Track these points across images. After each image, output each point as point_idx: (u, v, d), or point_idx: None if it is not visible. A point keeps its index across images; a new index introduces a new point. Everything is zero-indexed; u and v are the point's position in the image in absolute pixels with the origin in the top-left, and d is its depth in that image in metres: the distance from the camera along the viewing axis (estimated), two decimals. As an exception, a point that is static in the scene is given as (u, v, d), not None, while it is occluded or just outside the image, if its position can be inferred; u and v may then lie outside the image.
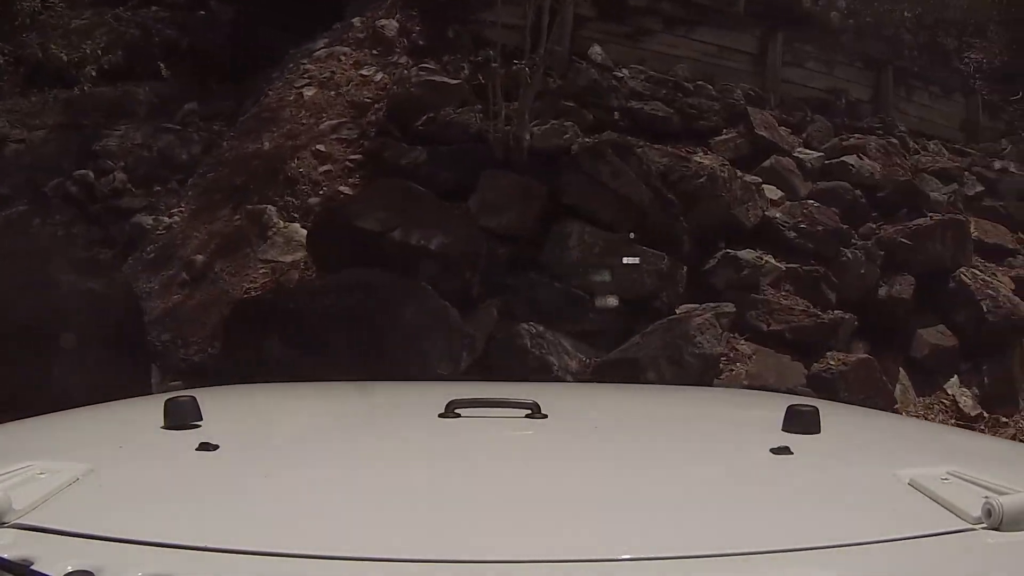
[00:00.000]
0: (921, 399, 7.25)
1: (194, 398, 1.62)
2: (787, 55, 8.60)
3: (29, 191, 8.40)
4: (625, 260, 6.38)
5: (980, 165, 9.04)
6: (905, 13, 9.92)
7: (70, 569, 0.98)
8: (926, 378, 7.29)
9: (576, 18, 7.70)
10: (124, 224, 8.20)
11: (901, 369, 7.25)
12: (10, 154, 8.75)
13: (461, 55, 7.55)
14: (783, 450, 1.48)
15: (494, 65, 6.62)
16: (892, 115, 9.01)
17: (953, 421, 6.98)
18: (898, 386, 7.10)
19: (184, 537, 1.06)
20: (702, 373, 5.92)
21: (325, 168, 7.44)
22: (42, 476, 1.25)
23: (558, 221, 6.45)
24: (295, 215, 7.20)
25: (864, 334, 7.07)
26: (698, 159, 7.04)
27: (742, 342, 6.53)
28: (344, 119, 7.77)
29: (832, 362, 6.61)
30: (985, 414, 7.16)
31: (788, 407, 1.67)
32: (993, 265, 8.05)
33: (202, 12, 10.03)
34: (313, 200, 7.15)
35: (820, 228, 7.11)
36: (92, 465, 1.32)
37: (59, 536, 1.07)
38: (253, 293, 6.85)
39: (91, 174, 8.71)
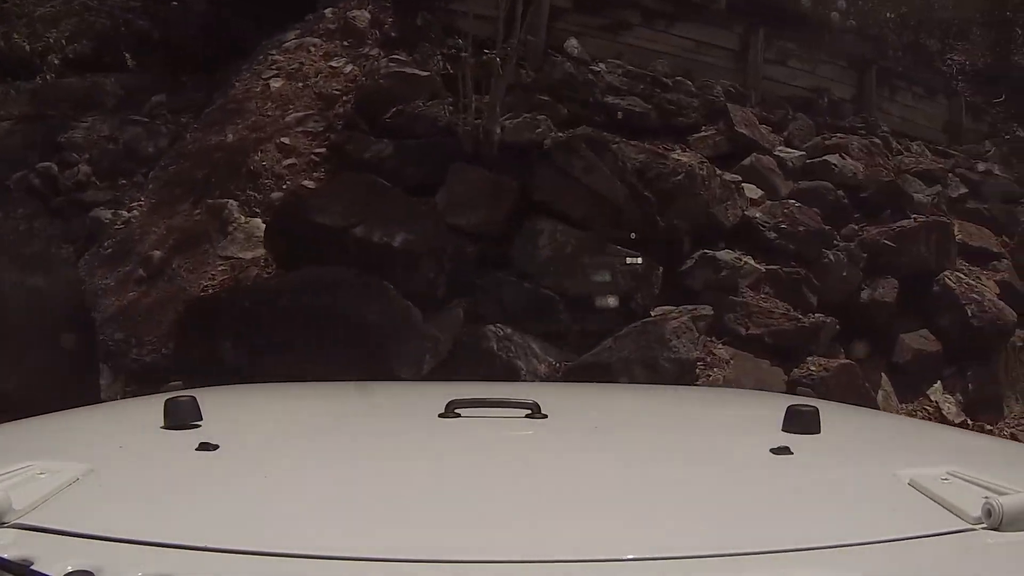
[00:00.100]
0: (904, 406, 6.89)
1: (194, 398, 1.59)
2: (769, 52, 8.18)
3: (-8, 184, 7.91)
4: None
5: (964, 167, 8.70)
6: (888, 14, 9.53)
7: (70, 569, 0.95)
8: (909, 384, 6.91)
9: (552, 10, 7.24)
10: (85, 218, 7.71)
11: (883, 375, 6.83)
12: (-27, 146, 8.26)
13: (431, 46, 7.05)
14: (783, 450, 1.45)
15: (464, 55, 6.15)
16: (875, 115, 8.62)
17: (936, 428, 6.56)
18: (880, 392, 6.71)
19: (184, 537, 1.02)
20: (677, 378, 5.53)
21: (289, 161, 6.98)
22: (42, 476, 1.22)
23: (529, 218, 6.01)
24: (257, 210, 6.74)
25: (846, 338, 6.63)
26: (676, 156, 6.60)
27: (719, 346, 6.12)
28: (311, 111, 7.31)
29: (813, 367, 6.25)
30: (969, 421, 6.79)
31: (788, 407, 1.63)
32: (978, 269, 7.69)
33: (175, 2, 9.53)
34: (276, 195, 6.70)
35: (801, 229, 6.69)
36: (92, 465, 1.29)
37: (59, 536, 1.04)
38: (211, 291, 6.37)
39: (54, 167, 8.23)
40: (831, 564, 1.05)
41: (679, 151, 6.79)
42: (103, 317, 6.46)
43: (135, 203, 7.40)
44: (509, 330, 5.68)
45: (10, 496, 1.09)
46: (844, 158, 7.40)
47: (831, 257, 6.77)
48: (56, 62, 8.61)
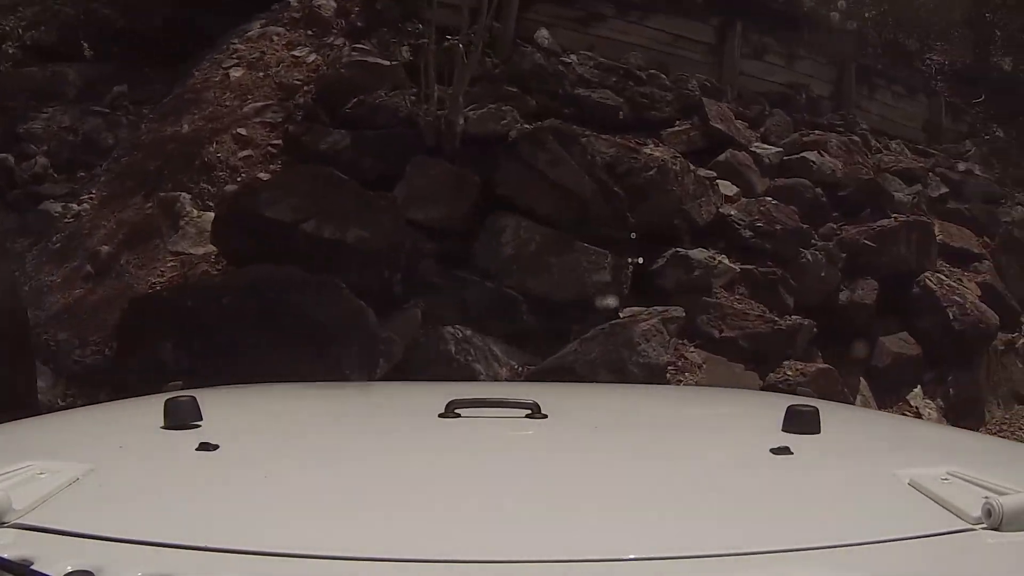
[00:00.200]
0: (882, 411, 6.35)
1: (194, 398, 1.54)
2: (746, 47, 7.73)
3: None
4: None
5: (944, 166, 8.26)
6: (866, 14, 9.10)
7: (70, 569, 0.92)
8: (888, 388, 6.48)
9: (522, -1, 6.73)
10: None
11: (862, 379, 6.39)
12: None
13: (395, 34, 6.55)
14: (783, 450, 1.40)
15: (423, 40, 5.66)
16: (854, 113, 8.17)
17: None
18: (859, 397, 6.28)
19: (184, 537, 0.99)
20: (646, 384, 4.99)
21: (245, 153, 6.51)
22: (42, 476, 1.18)
23: (492, 214, 5.55)
24: (210, 203, 6.27)
25: (824, 341, 6.19)
26: (648, 151, 6.13)
27: (691, 350, 5.69)
28: (270, 101, 6.82)
29: (790, 372, 5.83)
30: (950, 428, 6.29)
31: (788, 407, 1.59)
32: (959, 270, 7.25)
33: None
34: (231, 187, 6.21)
35: (778, 227, 6.24)
36: (92, 465, 1.24)
37: (59, 536, 1.00)
38: (158, 288, 5.91)
39: (11, 158, 7.73)
40: (831, 564, 1.01)
41: (652, 146, 6.34)
42: (47, 315, 5.99)
43: (85, 196, 6.90)
44: (469, 332, 5.23)
45: (10, 496, 1.05)
46: (823, 155, 6.96)
47: (809, 257, 6.33)
48: (11, 51, 8.05)
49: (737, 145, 6.75)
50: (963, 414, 6.58)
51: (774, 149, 6.93)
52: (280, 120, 6.66)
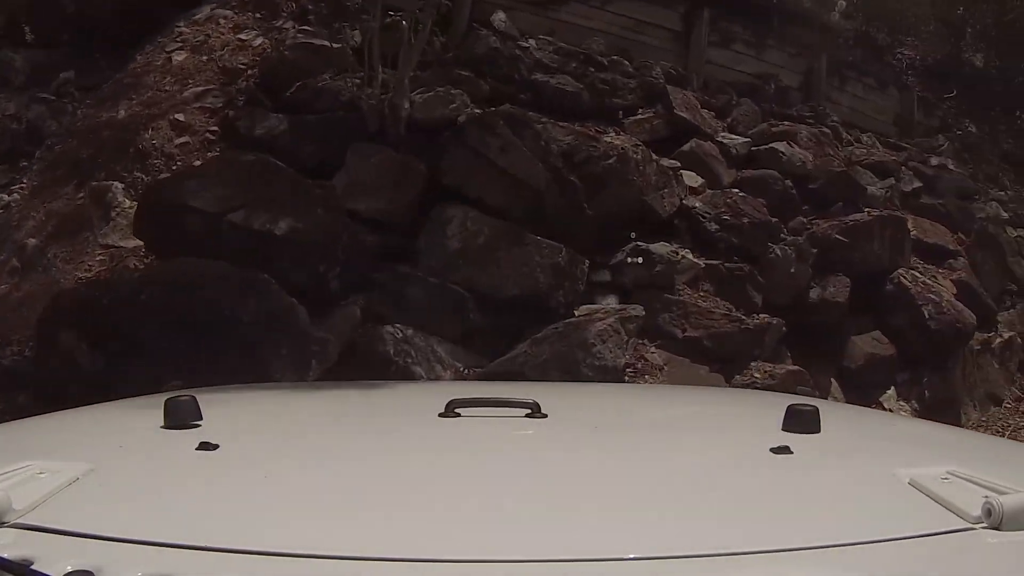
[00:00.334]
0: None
1: (194, 398, 1.50)
2: (713, 35, 7.13)
3: None
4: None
5: (917, 160, 7.72)
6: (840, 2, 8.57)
7: (70, 569, 0.90)
8: (860, 390, 5.94)
9: (479, -19, 6.13)
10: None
11: (833, 380, 5.86)
12: None
13: (341, 15, 5.91)
14: (783, 450, 1.36)
15: (365, 17, 5.06)
16: (824, 104, 7.59)
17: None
18: (829, 399, 5.65)
19: (184, 537, 0.97)
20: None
21: (182, 140, 5.88)
22: (42, 476, 1.15)
23: (438, 205, 4.93)
24: (144, 194, 5.59)
25: (793, 341, 5.66)
26: (608, 139, 5.53)
27: (652, 350, 5.14)
28: (211, 86, 6.18)
29: (757, 374, 5.31)
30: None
31: (788, 407, 1.54)
32: (933, 267, 6.69)
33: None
34: (166, 176, 5.54)
35: (745, 220, 5.68)
36: (92, 465, 1.21)
37: (59, 536, 0.98)
38: (85, 283, 5.30)
39: (-50, 150, 7.08)
40: (831, 564, 0.98)
41: (613, 134, 5.74)
42: (-33, 313, 5.37)
43: (16, 186, 6.27)
44: (410, 331, 4.64)
45: (10, 496, 1.02)
46: (792, 146, 6.39)
47: (778, 252, 5.78)
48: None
49: (703, 135, 6.19)
50: (938, 416, 6.00)
51: (742, 139, 6.38)
52: (221, 105, 6.04)
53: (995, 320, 7.03)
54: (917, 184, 7.39)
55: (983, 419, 6.45)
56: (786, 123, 6.78)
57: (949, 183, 7.66)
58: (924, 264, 6.70)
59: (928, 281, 6.36)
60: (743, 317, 5.38)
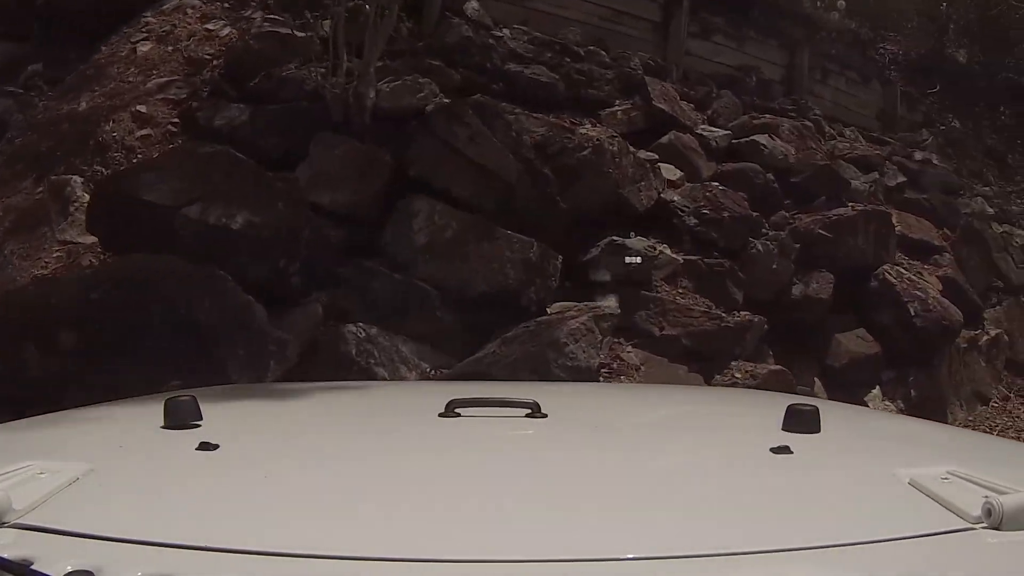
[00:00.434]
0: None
1: (194, 398, 1.49)
2: (693, 25, 6.86)
3: None
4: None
5: (900, 155, 7.44)
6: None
7: (70, 569, 0.89)
8: (845, 389, 5.66)
9: (452, -31, 5.82)
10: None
11: (816, 379, 5.61)
12: None
13: (302, 2, 5.60)
14: (783, 449, 1.34)
15: (328, 2, 4.74)
16: (806, 98, 7.33)
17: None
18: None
19: (184, 537, 0.96)
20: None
21: (143, 132, 5.56)
22: (42, 476, 1.14)
23: (404, 197, 4.64)
24: (102, 188, 5.28)
25: (776, 340, 5.41)
26: (584, 131, 5.25)
27: (628, 349, 4.87)
28: (175, 77, 5.86)
29: (738, 374, 5.06)
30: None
31: (788, 407, 1.52)
32: (918, 263, 6.42)
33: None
34: (119, 169, 5.23)
35: (726, 214, 5.41)
36: (92, 465, 1.20)
37: (59, 536, 0.97)
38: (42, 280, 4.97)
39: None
40: (831, 564, 0.96)
41: (588, 125, 5.47)
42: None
43: (-26, 181, 5.96)
44: (374, 330, 4.35)
45: (10, 496, 1.01)
46: (774, 139, 6.13)
47: (759, 247, 5.51)
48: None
49: (681, 127, 5.92)
50: (924, 416, 5.68)
51: (722, 132, 6.12)
52: (184, 96, 5.72)
53: (981, 317, 6.77)
54: (901, 179, 7.15)
55: (970, 419, 6.21)
56: (767, 116, 6.50)
57: (934, 178, 7.42)
58: (909, 260, 6.46)
59: (913, 277, 6.12)
60: (723, 315, 5.12)
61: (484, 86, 5.36)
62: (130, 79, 6.04)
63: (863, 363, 5.77)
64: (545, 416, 1.55)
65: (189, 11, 6.57)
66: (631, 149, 5.31)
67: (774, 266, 5.52)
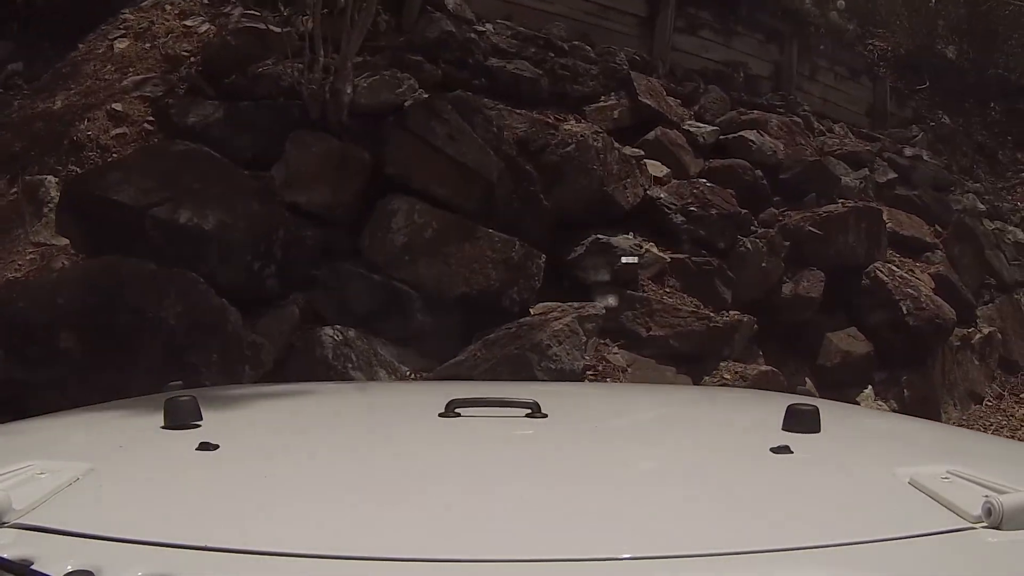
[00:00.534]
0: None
1: (194, 398, 1.48)
2: (679, 20, 6.68)
3: None
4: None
5: (891, 151, 7.28)
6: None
7: (70, 569, 0.88)
8: (836, 389, 5.52)
9: (432, -37, 5.64)
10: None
11: (807, 380, 5.45)
12: None
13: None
14: (783, 449, 1.32)
15: (305, -3, 4.59)
16: (795, 93, 7.16)
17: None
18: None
19: (184, 537, 0.95)
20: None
21: (119, 131, 5.37)
22: (42, 476, 1.13)
23: (382, 197, 4.45)
24: (75, 189, 5.10)
25: (765, 339, 5.27)
26: (568, 127, 5.07)
27: (615, 350, 4.73)
28: (152, 74, 5.67)
29: (728, 375, 4.92)
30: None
31: (788, 406, 1.50)
32: (910, 260, 6.26)
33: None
34: (88, 169, 5.04)
35: (714, 212, 5.26)
36: (92, 465, 1.19)
37: (59, 536, 0.96)
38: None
39: None
40: (831, 563, 0.96)
41: (573, 121, 5.29)
42: None
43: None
44: (352, 333, 4.20)
45: (10, 496, 1.00)
46: (763, 135, 5.97)
47: (748, 245, 5.37)
48: None
49: (668, 122, 5.76)
50: (918, 416, 5.57)
51: (709, 127, 5.96)
52: (161, 94, 5.53)
53: (974, 315, 6.61)
54: (892, 175, 7.01)
55: (964, 418, 6.06)
56: (756, 112, 6.34)
57: (924, 174, 7.27)
58: (900, 257, 6.32)
59: (905, 275, 5.96)
60: (711, 314, 4.98)
61: (466, 82, 5.20)
62: (106, 77, 5.86)
63: (855, 363, 5.63)
64: (545, 416, 1.53)
65: (167, 7, 6.39)
66: (616, 145, 5.17)
67: (763, 264, 5.39)
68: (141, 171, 4.35)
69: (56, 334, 4.00)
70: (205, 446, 1.29)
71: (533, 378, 4.02)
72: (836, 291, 5.66)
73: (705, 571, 0.94)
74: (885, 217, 6.26)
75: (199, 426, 1.44)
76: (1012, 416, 6.25)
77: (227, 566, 0.91)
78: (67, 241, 4.93)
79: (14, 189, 5.46)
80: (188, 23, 6.18)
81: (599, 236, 4.81)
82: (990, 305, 6.98)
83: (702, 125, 5.92)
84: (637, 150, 5.38)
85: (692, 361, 4.83)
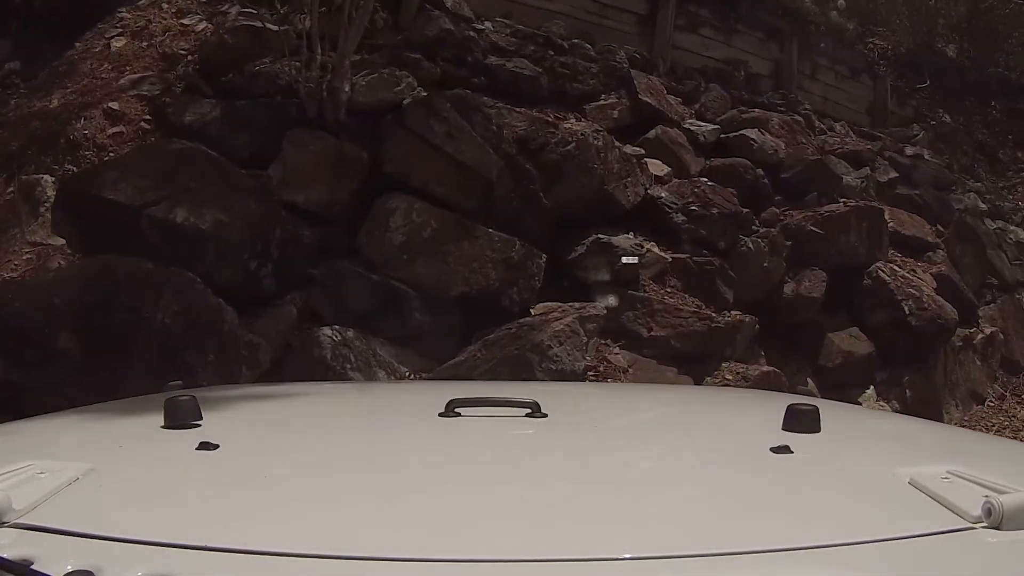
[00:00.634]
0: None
1: (194, 398, 1.48)
2: (680, 18, 6.65)
3: None
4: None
5: (892, 150, 7.22)
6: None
7: (70, 569, 0.88)
8: (838, 390, 5.47)
9: (431, -40, 5.59)
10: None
11: (809, 380, 5.41)
12: None
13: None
14: (783, 449, 1.32)
15: (302, -6, 4.54)
16: (795, 92, 7.11)
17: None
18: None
19: (184, 537, 0.95)
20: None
21: (116, 130, 5.33)
22: (42, 476, 1.13)
23: (380, 195, 4.41)
24: (72, 188, 5.05)
25: (767, 340, 5.20)
26: (568, 126, 5.03)
27: (616, 351, 4.68)
28: (149, 73, 5.63)
29: (729, 375, 4.87)
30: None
31: (788, 406, 1.50)
32: (912, 260, 6.22)
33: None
34: (84, 168, 5.00)
35: (715, 211, 5.22)
36: (92, 465, 1.19)
37: (59, 536, 0.96)
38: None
39: None
40: (831, 563, 0.96)
41: (573, 120, 5.25)
42: None
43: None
44: (350, 333, 4.16)
45: (10, 496, 1.00)
46: (764, 134, 5.92)
47: (749, 245, 5.32)
48: None
49: (669, 121, 5.72)
50: (919, 416, 5.52)
51: (710, 126, 5.92)
52: (158, 93, 5.49)
53: (976, 315, 6.56)
54: (893, 174, 6.96)
55: (965, 418, 6.02)
56: (757, 110, 6.30)
57: (926, 173, 7.21)
58: (902, 257, 6.26)
59: (907, 275, 5.91)
60: (713, 314, 4.94)
61: (464, 80, 5.16)
62: (103, 75, 5.82)
63: (856, 363, 5.59)
64: (545, 416, 1.53)
65: (165, 6, 6.35)
66: (617, 144, 5.12)
67: (765, 264, 5.34)
68: (138, 170, 4.30)
69: (53, 334, 3.97)
70: (205, 446, 1.29)
71: (533, 379, 3.98)
72: (838, 291, 5.62)
73: (706, 571, 0.94)
74: (887, 216, 6.22)
75: (199, 426, 1.44)
76: (1014, 417, 6.21)
77: (227, 566, 0.91)
78: (63, 240, 4.89)
79: (10, 188, 5.42)
80: (185, 21, 6.14)
81: (600, 236, 4.77)
82: (992, 305, 6.94)
83: (703, 124, 5.88)
84: (638, 149, 5.35)
85: (693, 362, 4.79)
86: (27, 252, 5.06)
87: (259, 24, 5.36)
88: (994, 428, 5.93)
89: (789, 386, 4.97)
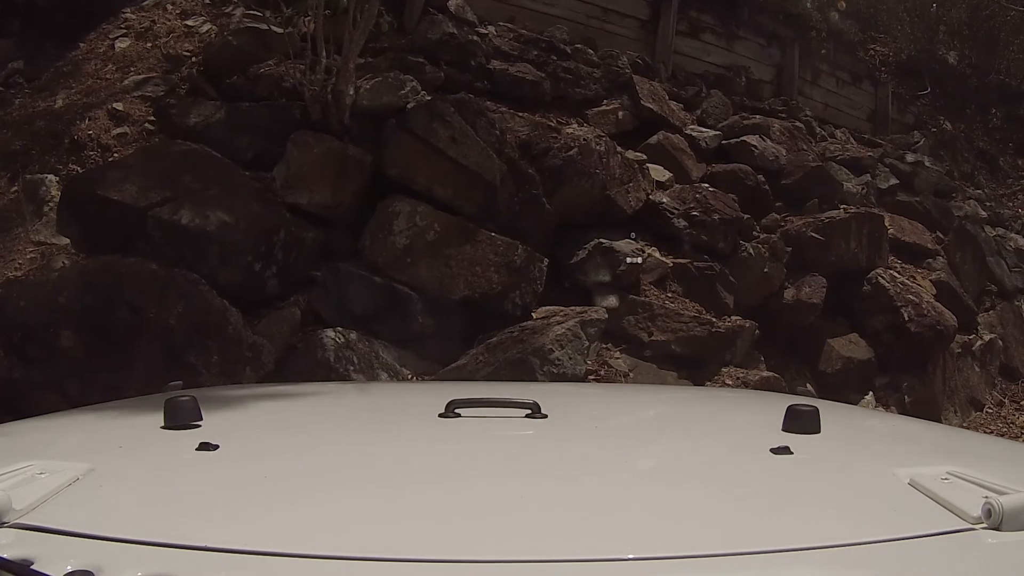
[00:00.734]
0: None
1: (194, 398, 1.48)
2: (682, 24, 6.68)
3: None
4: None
5: (892, 157, 7.24)
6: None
7: (70, 569, 0.88)
8: (837, 395, 5.44)
9: (435, -35, 5.63)
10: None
11: (808, 385, 5.41)
12: None
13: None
14: (783, 450, 1.33)
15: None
16: (796, 98, 7.14)
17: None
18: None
19: (184, 537, 0.95)
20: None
21: (120, 130, 5.36)
22: (42, 476, 1.14)
23: (384, 198, 4.43)
24: (76, 188, 5.08)
25: (767, 345, 5.23)
26: (570, 131, 5.06)
27: (617, 355, 4.69)
28: (153, 74, 5.65)
29: (729, 380, 4.86)
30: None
31: (788, 407, 1.51)
32: (911, 267, 6.23)
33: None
34: (89, 168, 5.02)
35: (716, 217, 5.24)
36: (92, 465, 1.19)
37: (59, 536, 0.97)
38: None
39: None
40: (831, 564, 0.96)
41: (575, 125, 5.28)
42: None
43: (-55, 181, 5.75)
44: (353, 335, 4.17)
45: (10, 496, 1.00)
46: (765, 140, 5.95)
47: (750, 250, 5.35)
48: None
49: (670, 127, 5.76)
50: (918, 423, 5.57)
51: (712, 132, 5.95)
52: (162, 94, 5.51)
53: (975, 322, 6.58)
54: (894, 181, 7.00)
55: (964, 425, 6.03)
56: (758, 116, 6.34)
57: (926, 180, 7.24)
58: (902, 263, 6.29)
59: (907, 281, 5.93)
60: (713, 319, 4.95)
61: (468, 84, 5.21)
62: (107, 76, 5.85)
63: (856, 369, 5.61)
64: (545, 416, 1.53)
65: (169, 7, 6.39)
66: (619, 149, 5.15)
67: (765, 270, 5.37)
68: (142, 171, 4.33)
69: (56, 333, 3.99)
70: (205, 446, 1.29)
71: (537, 382, 4.01)
72: (838, 297, 5.64)
73: (707, 571, 0.94)
74: (887, 223, 6.25)
75: (199, 426, 1.44)
76: (1012, 423, 6.24)
77: (227, 566, 0.91)
78: (67, 240, 4.91)
79: (14, 188, 5.44)
80: (189, 23, 6.17)
81: (601, 240, 4.79)
82: (991, 312, 6.97)
83: (704, 129, 5.92)
84: (639, 154, 5.38)
85: (694, 366, 4.81)
86: (31, 251, 5.08)
87: (263, 26, 5.38)
88: (992, 434, 5.95)
89: (789, 391, 4.99)
